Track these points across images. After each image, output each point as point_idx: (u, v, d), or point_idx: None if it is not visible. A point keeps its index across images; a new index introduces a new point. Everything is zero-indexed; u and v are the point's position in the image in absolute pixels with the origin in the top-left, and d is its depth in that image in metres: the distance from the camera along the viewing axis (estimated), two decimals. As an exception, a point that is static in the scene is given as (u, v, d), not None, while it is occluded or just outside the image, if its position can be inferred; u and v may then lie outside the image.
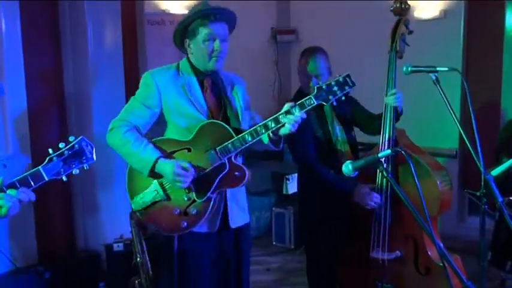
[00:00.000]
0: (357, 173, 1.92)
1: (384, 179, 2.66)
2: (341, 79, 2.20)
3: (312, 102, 2.19)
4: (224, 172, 2.28)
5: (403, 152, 1.75)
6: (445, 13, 4.79)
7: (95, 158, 1.81)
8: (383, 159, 1.85)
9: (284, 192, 4.33)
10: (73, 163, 1.75)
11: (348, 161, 1.93)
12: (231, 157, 2.28)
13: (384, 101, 2.76)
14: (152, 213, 2.37)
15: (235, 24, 2.47)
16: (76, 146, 1.75)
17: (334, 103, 2.21)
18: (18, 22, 3.62)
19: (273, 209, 4.96)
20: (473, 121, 2.27)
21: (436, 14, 4.81)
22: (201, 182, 2.29)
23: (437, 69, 2.39)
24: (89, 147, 1.78)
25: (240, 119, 2.42)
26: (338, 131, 2.95)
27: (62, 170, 1.74)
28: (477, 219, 4.09)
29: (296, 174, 4.41)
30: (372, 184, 2.72)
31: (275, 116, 2.21)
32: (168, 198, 2.34)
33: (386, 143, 2.71)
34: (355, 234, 2.88)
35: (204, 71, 2.40)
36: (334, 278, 2.99)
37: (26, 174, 1.70)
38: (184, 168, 2.23)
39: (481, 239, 2.34)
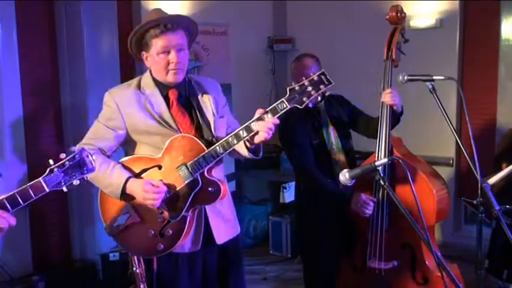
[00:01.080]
0: (353, 181, 1.91)
1: (381, 188, 2.65)
2: (315, 77, 2.03)
3: (285, 105, 2.02)
4: (197, 189, 2.14)
5: (400, 160, 1.74)
6: (441, 22, 4.82)
7: (95, 169, 1.78)
8: (380, 168, 1.85)
9: (281, 201, 4.31)
10: (74, 174, 1.72)
11: (345, 170, 1.93)
12: (203, 172, 2.14)
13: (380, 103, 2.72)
14: (127, 237, 2.23)
15: (197, 29, 2.28)
16: (77, 156, 1.73)
17: (310, 105, 2.09)
18: (15, 31, 3.62)
19: (270, 217, 4.95)
20: (470, 130, 2.27)
21: (432, 23, 4.84)
22: (174, 201, 2.15)
23: (434, 78, 2.39)
24: (90, 157, 1.76)
25: (213, 129, 2.26)
26: (333, 139, 2.89)
27: (62, 180, 1.71)
28: (473, 228, 4.12)
29: (293, 183, 4.43)
30: (369, 192, 2.70)
31: (246, 124, 2.06)
32: (142, 220, 2.19)
33: (382, 148, 2.66)
34: (352, 243, 2.86)
35: (166, 85, 2.24)
36: (332, 287, 2.97)
37: (26, 186, 1.69)
38: (154, 185, 2.11)
39: (478, 247, 2.34)
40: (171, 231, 2.16)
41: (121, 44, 4.14)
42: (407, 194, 2.44)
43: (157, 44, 2.15)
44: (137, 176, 2.20)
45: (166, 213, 2.16)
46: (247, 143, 2.13)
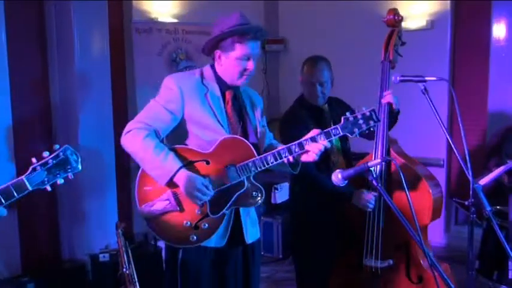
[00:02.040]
0: (346, 182, 1.91)
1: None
2: (368, 113, 2.18)
3: (338, 132, 2.17)
4: (242, 190, 2.21)
5: (393, 161, 1.74)
6: (432, 23, 4.84)
7: (80, 167, 1.75)
8: (373, 169, 1.84)
9: (272, 201, 4.31)
10: (57, 172, 1.70)
11: (338, 170, 1.93)
12: (249, 176, 2.21)
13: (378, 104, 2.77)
14: (161, 222, 2.26)
15: (265, 40, 2.41)
16: (61, 154, 1.70)
17: (357, 136, 2.19)
18: (4, 31, 3.57)
19: (262, 218, 4.93)
20: (462, 131, 2.27)
21: (424, 25, 4.86)
22: (218, 198, 2.21)
23: (426, 78, 2.40)
24: (74, 155, 1.73)
25: (259, 136, 2.36)
26: (333, 140, 2.90)
27: (46, 179, 1.68)
28: (464, 228, 4.14)
29: (285, 184, 4.44)
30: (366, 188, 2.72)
31: (300, 141, 2.19)
32: (180, 209, 2.22)
33: (379, 148, 2.70)
34: (347, 242, 2.87)
35: (228, 84, 2.32)
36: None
37: (8, 184, 1.66)
38: (206, 187, 2.16)
39: (469, 248, 2.34)
40: (207, 225, 2.21)
41: (112, 43, 4.11)
42: (404, 194, 2.52)
43: (240, 49, 2.22)
44: (187, 165, 2.22)
45: (206, 208, 2.20)
46: (291, 158, 2.21)
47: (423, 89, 2.38)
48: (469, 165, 2.22)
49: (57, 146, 1.73)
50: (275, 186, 4.28)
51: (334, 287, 2.94)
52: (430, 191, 2.62)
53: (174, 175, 2.16)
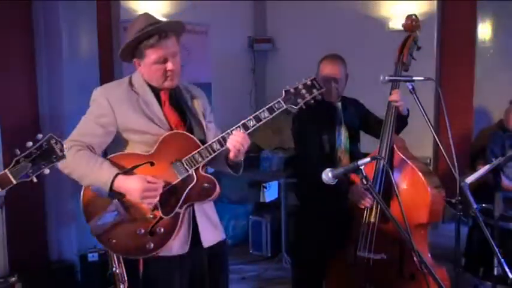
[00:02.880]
0: (335, 180, 1.93)
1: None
2: (308, 82, 2.21)
3: (281, 105, 2.18)
4: (192, 184, 2.11)
5: (382, 160, 1.77)
6: (419, 24, 4.88)
7: (66, 155, 1.68)
8: (363, 167, 1.87)
9: (261, 200, 4.33)
10: (43, 163, 1.63)
11: (328, 169, 1.95)
12: (198, 168, 2.12)
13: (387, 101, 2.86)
14: (113, 236, 2.14)
15: (183, 29, 2.25)
16: (44, 144, 1.62)
17: (303, 106, 2.19)
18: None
19: (250, 217, 4.95)
20: (449, 130, 2.31)
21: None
22: (168, 197, 2.10)
23: (414, 78, 2.43)
24: (59, 144, 1.66)
25: (205, 130, 2.27)
26: (343, 138, 3.04)
27: (30, 171, 1.62)
28: (450, 226, 4.17)
29: (274, 182, 4.47)
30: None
31: (242, 122, 2.13)
32: (130, 217, 2.11)
33: (384, 146, 2.77)
34: (346, 236, 2.93)
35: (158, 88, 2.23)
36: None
37: None
38: (150, 182, 2.06)
39: (456, 245, 2.37)
40: (162, 229, 2.11)
41: (100, 42, 4.10)
42: (403, 192, 2.66)
43: (152, 54, 2.13)
44: (128, 172, 2.12)
45: (158, 210, 2.11)
46: (228, 160, 2.16)
47: (411, 89, 2.41)
48: (455, 163, 2.25)
49: (40, 136, 1.66)
50: (264, 185, 4.30)
51: (334, 280, 3.01)
52: (429, 190, 2.66)
53: (112, 183, 2.07)
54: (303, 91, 2.20)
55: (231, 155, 2.13)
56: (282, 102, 2.18)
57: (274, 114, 2.17)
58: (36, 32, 3.92)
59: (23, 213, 3.87)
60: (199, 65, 4.85)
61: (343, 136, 3.04)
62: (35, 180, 1.64)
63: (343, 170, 1.94)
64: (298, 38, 5.50)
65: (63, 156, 1.66)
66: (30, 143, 1.63)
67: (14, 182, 1.62)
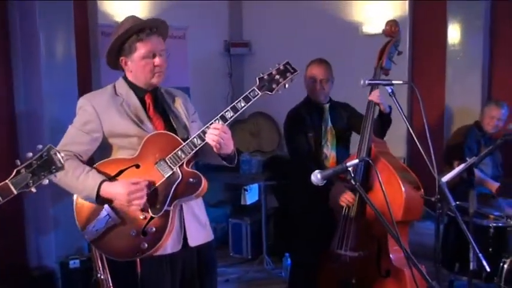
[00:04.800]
0: (324, 181, 1.98)
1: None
2: (281, 67, 2.21)
3: (256, 93, 2.18)
4: (178, 181, 2.15)
5: (370, 161, 1.83)
6: (391, 28, 5.01)
7: (65, 167, 1.72)
8: (351, 168, 1.94)
9: (242, 203, 4.36)
10: (42, 173, 1.66)
11: (317, 171, 2.00)
12: (182, 165, 2.16)
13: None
14: (108, 240, 2.19)
15: (167, 33, 2.33)
16: (44, 155, 1.66)
17: (279, 91, 2.21)
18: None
19: (230, 219, 4.99)
20: (427, 130, 2.39)
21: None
22: (156, 196, 2.15)
23: (393, 82, 2.52)
24: (58, 155, 1.70)
25: (189, 129, 2.30)
26: (329, 137, 3.23)
27: (31, 181, 1.65)
28: (424, 224, 4.30)
29: (254, 185, 4.52)
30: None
31: (221, 114, 2.17)
32: (122, 221, 2.16)
33: (363, 147, 2.88)
34: (331, 234, 3.02)
35: (144, 88, 2.27)
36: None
37: None
38: (135, 183, 2.10)
39: (436, 242, 2.46)
40: (154, 228, 2.15)
41: (78, 46, 4.07)
42: (378, 190, 2.69)
43: (142, 47, 2.18)
44: (114, 178, 2.17)
45: (148, 210, 2.15)
46: (216, 150, 2.17)
47: (390, 92, 2.50)
48: (434, 163, 2.34)
49: (40, 146, 1.69)
50: (245, 187, 4.34)
51: (323, 277, 3.08)
52: (403, 189, 2.74)
53: (99, 191, 2.12)
54: (277, 76, 2.20)
55: (214, 148, 2.16)
56: (257, 90, 2.18)
57: (250, 103, 2.18)
58: (13, 35, 3.87)
59: (0, 220, 3.81)
60: (177, 69, 4.86)
61: (329, 135, 3.23)
62: (34, 190, 1.67)
63: (332, 171, 1.99)
64: (274, 42, 5.57)
65: (62, 167, 1.69)
66: (30, 154, 1.66)
67: (15, 192, 1.65)
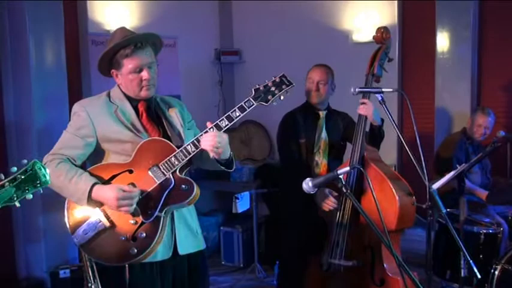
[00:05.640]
0: (316, 189, 1.99)
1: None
2: (277, 79, 2.24)
3: (252, 103, 2.20)
4: (170, 187, 2.17)
5: (360, 168, 1.84)
6: (381, 36, 5.05)
7: (49, 181, 1.71)
8: (342, 176, 1.94)
9: (233, 211, 4.34)
10: (27, 188, 1.64)
11: (308, 178, 2.00)
12: (175, 171, 2.18)
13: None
14: (98, 244, 2.19)
15: (161, 43, 2.37)
16: (29, 169, 1.64)
17: (274, 103, 2.24)
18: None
19: (221, 228, 4.97)
20: (417, 138, 2.41)
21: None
22: (147, 202, 2.16)
23: (383, 90, 2.53)
24: (43, 170, 1.68)
25: (184, 138, 2.31)
26: (321, 145, 3.21)
27: (15, 195, 1.63)
28: (414, 231, 4.32)
29: (245, 193, 4.51)
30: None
31: (216, 122, 2.18)
32: (113, 225, 2.17)
33: (355, 155, 2.88)
34: (321, 242, 3.02)
35: (136, 98, 2.31)
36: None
37: None
38: (126, 191, 2.11)
39: (427, 248, 2.47)
40: (144, 234, 2.15)
41: (68, 55, 4.06)
42: (371, 199, 2.61)
43: (129, 63, 2.22)
44: (107, 182, 2.19)
45: (139, 216, 2.15)
46: (215, 156, 2.19)
47: (381, 100, 2.51)
48: (425, 170, 2.35)
49: (24, 161, 1.67)
50: (236, 195, 4.33)
51: (311, 285, 3.08)
52: (397, 197, 2.72)
53: (90, 194, 2.14)
54: (273, 88, 2.22)
55: (211, 154, 2.17)
56: (252, 100, 2.21)
57: (245, 113, 2.21)
58: (2, 43, 3.85)
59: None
60: (167, 77, 4.86)
61: (322, 143, 3.22)
62: (18, 205, 1.65)
63: (323, 179, 2.00)
64: (264, 51, 5.59)
65: (46, 182, 1.67)
66: (15, 168, 1.65)
67: None
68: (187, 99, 5.08)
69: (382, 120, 2.94)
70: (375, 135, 2.95)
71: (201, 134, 2.19)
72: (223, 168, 2.30)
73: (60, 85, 4.00)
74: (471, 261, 2.19)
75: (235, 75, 5.97)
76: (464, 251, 2.22)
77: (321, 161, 3.24)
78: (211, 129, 2.17)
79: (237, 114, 2.20)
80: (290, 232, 3.30)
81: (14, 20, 3.82)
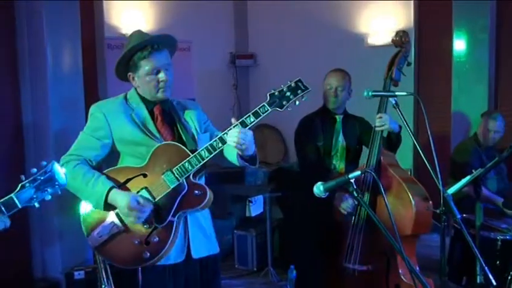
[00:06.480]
0: (327, 193, 1.98)
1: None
2: (293, 84, 2.21)
3: (266, 109, 2.18)
4: (183, 192, 2.18)
5: (371, 173, 1.82)
6: (396, 40, 5.02)
7: (75, 171, 1.77)
8: (353, 180, 1.93)
9: (247, 214, 4.35)
10: (46, 189, 1.71)
11: (319, 182, 1.99)
12: (189, 176, 2.19)
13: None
14: (112, 247, 2.22)
15: (176, 45, 2.39)
16: (48, 171, 1.71)
17: (289, 108, 2.21)
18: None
19: (235, 231, 4.96)
20: (431, 142, 2.37)
21: (388, 41, 5.00)
22: (160, 207, 2.18)
23: (397, 93, 2.51)
24: (61, 171, 1.75)
25: (197, 142, 2.32)
26: (339, 148, 3.22)
27: (35, 196, 1.70)
28: (430, 237, 4.27)
29: (259, 197, 4.51)
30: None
31: (228, 128, 2.17)
32: (126, 229, 2.20)
33: (372, 159, 2.87)
34: (337, 245, 3.01)
35: (152, 101, 2.33)
36: None
37: None
38: (139, 203, 2.13)
39: (441, 254, 2.43)
40: (157, 238, 2.17)
41: (84, 59, 4.11)
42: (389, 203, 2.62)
43: (146, 65, 2.23)
44: (122, 185, 2.21)
45: (152, 220, 2.17)
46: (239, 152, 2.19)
47: (395, 103, 2.49)
48: (439, 175, 2.32)
49: (44, 163, 1.74)
50: (249, 199, 4.33)
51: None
52: (413, 202, 2.70)
53: (107, 198, 2.16)
54: (288, 93, 2.19)
55: (238, 152, 2.18)
56: (267, 106, 2.19)
57: (260, 119, 2.19)
58: (20, 48, 3.91)
59: (6, 231, 3.80)
60: (182, 81, 4.89)
61: (339, 147, 3.23)
62: (37, 205, 1.71)
63: (334, 183, 1.98)
64: (279, 54, 5.59)
65: (65, 184, 1.73)
66: (34, 170, 1.71)
67: (19, 206, 1.69)
68: (202, 102, 5.03)
69: (400, 126, 2.92)
70: (392, 141, 2.95)
71: (214, 139, 2.19)
72: (247, 164, 2.29)
73: (77, 88, 4.05)
74: (486, 267, 2.15)
75: (250, 79, 5.98)
76: (480, 257, 2.18)
77: (338, 164, 3.25)
78: (249, 118, 2.17)
79: (252, 119, 2.18)
80: (307, 236, 3.28)
81: (32, 25, 3.87)
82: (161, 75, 2.25)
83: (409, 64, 3.09)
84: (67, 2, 3.93)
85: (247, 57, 5.83)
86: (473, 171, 3.08)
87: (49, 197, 1.74)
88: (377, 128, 2.87)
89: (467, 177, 3.02)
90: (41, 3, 3.79)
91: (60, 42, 3.95)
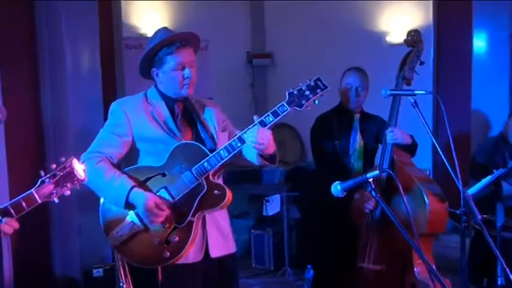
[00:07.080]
0: (345, 193, 1.96)
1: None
2: (312, 83, 2.20)
3: (285, 108, 2.17)
4: (203, 192, 2.17)
5: (390, 172, 1.81)
6: (415, 38, 4.96)
7: (85, 178, 1.78)
8: (371, 180, 1.91)
9: (264, 214, 4.35)
10: (65, 184, 1.72)
11: (337, 182, 1.98)
12: (208, 176, 2.19)
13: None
14: (132, 247, 2.23)
15: (199, 44, 2.40)
16: (67, 166, 1.72)
17: (308, 107, 2.20)
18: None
19: (252, 231, 4.97)
20: (451, 142, 2.34)
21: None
22: (180, 206, 2.19)
23: (415, 92, 2.48)
24: (80, 167, 1.76)
25: (216, 141, 2.32)
26: (357, 147, 3.20)
27: (54, 192, 1.71)
28: (451, 238, 4.22)
29: (276, 196, 4.51)
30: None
31: (247, 128, 2.17)
32: (146, 228, 2.20)
33: (386, 157, 2.86)
34: (355, 244, 2.99)
35: (174, 98, 2.32)
36: None
37: (19, 197, 1.69)
38: (158, 206, 2.14)
39: (461, 256, 2.40)
40: (177, 238, 2.18)
41: (103, 59, 4.14)
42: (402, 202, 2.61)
43: (172, 60, 2.24)
44: (141, 184, 2.22)
45: (172, 220, 2.18)
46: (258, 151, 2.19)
47: (413, 102, 2.46)
48: (458, 175, 2.29)
49: (63, 159, 1.76)
50: (266, 198, 4.33)
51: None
52: (427, 201, 2.68)
53: (128, 197, 2.16)
54: (307, 92, 2.19)
55: (258, 151, 2.18)
56: (286, 105, 2.18)
57: (278, 118, 2.18)
58: (40, 48, 3.96)
59: (25, 227, 3.84)
60: (199, 80, 4.88)
61: (357, 145, 3.20)
62: (56, 201, 1.74)
63: (352, 182, 1.97)
64: (297, 53, 5.56)
65: (84, 180, 1.75)
66: (54, 165, 1.73)
67: (39, 201, 1.72)
68: (219, 102, 5.05)
69: (412, 136, 2.93)
70: (407, 149, 2.95)
71: (233, 139, 2.19)
72: (266, 163, 2.28)
73: (95, 88, 4.09)
74: (507, 269, 2.11)
75: (268, 78, 5.96)
76: (501, 258, 2.14)
77: (356, 163, 3.22)
78: (268, 117, 2.16)
79: (271, 119, 2.17)
80: (324, 235, 3.26)
81: (51, 24, 3.92)
82: (186, 72, 2.25)
83: (422, 63, 3.07)
84: (86, 2, 3.98)
85: (264, 56, 5.81)
86: (494, 171, 3.04)
87: (68, 192, 1.75)
88: (389, 142, 2.86)
89: (488, 177, 2.98)
90: (60, 3, 3.85)
91: (79, 42, 4.00)
